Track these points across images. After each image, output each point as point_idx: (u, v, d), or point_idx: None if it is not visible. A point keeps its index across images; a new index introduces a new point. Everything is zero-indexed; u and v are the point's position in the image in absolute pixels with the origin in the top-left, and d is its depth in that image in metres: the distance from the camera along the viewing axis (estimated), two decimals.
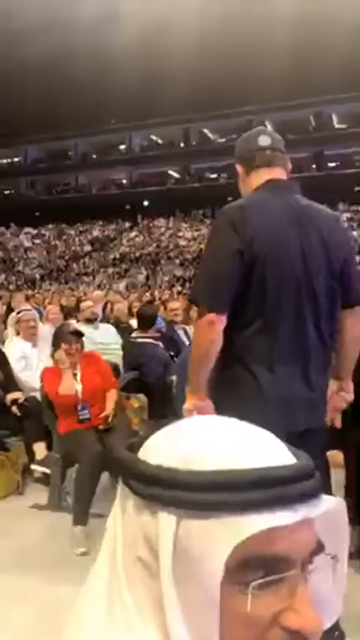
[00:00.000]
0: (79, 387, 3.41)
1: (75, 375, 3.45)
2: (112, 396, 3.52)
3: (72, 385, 3.36)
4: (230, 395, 1.65)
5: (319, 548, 0.46)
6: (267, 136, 1.87)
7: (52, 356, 3.66)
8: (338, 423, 1.98)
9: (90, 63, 38.49)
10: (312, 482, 0.45)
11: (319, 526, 0.45)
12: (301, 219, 1.74)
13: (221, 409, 1.61)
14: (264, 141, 1.84)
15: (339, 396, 1.94)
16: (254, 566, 0.42)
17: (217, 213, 1.78)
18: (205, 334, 1.67)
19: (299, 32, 34.23)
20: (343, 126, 35.99)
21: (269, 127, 2.18)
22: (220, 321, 1.65)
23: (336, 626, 1.99)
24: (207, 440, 0.46)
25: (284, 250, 1.68)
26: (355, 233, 27.48)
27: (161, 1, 36.90)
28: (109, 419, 3.39)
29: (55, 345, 3.63)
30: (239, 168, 1.90)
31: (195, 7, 35.58)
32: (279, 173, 1.83)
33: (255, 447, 0.46)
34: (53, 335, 3.88)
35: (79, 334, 3.60)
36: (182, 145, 38.53)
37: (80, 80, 38.43)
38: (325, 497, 0.46)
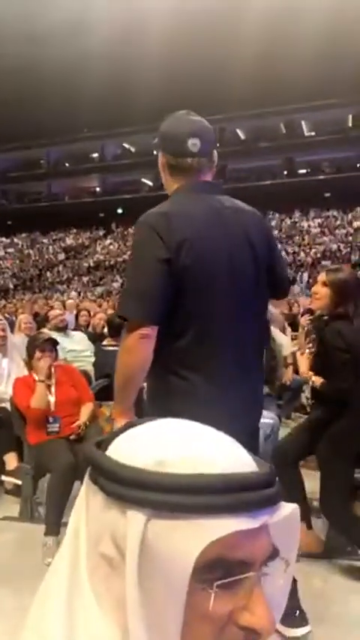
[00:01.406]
0: (52, 398, 3.38)
1: (49, 386, 3.42)
2: (87, 409, 3.50)
3: (44, 398, 3.31)
4: (168, 407, 1.52)
5: (275, 552, 0.48)
6: (197, 138, 1.71)
7: (27, 365, 3.61)
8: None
9: (60, 72, 38.41)
10: (273, 489, 0.47)
11: (273, 531, 0.47)
12: (226, 221, 1.69)
13: None
14: (193, 146, 1.71)
15: None
16: (217, 566, 0.43)
17: (139, 222, 1.65)
18: (139, 350, 1.58)
19: (269, 41, 34.78)
20: (313, 133, 36.67)
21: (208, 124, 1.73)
22: (153, 335, 1.58)
23: (297, 606, 2.05)
24: (178, 443, 0.48)
25: (213, 256, 1.63)
26: (326, 239, 27.97)
27: (131, 10, 37.10)
28: (81, 428, 3.37)
29: (30, 353, 3.59)
30: (162, 158, 1.78)
31: (165, 16, 35.90)
32: (204, 177, 1.76)
33: (222, 453, 0.48)
34: (27, 343, 3.84)
35: (54, 342, 3.59)
36: (155, 153, 38.64)
37: (51, 89, 38.31)
38: (282, 504, 0.48)
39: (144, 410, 1.92)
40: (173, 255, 1.57)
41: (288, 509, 0.48)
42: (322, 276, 2.79)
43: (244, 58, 34.71)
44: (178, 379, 1.62)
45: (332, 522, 2.74)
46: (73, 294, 22.91)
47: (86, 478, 0.50)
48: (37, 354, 3.47)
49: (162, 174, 1.81)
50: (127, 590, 0.44)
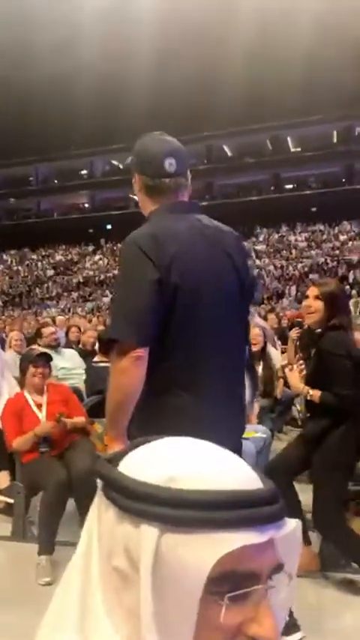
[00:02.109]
0: (43, 417, 3.33)
1: (40, 405, 3.40)
2: (79, 418, 3.47)
3: (27, 444, 3.22)
4: (159, 425, 1.42)
5: (280, 566, 0.50)
6: (173, 158, 1.72)
7: (20, 383, 3.58)
8: None
9: (48, 88, 38.69)
10: (279, 505, 0.49)
11: (278, 546, 0.49)
12: (209, 240, 1.70)
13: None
14: (170, 166, 1.71)
15: None
16: (227, 579, 0.45)
17: (126, 243, 1.65)
18: (133, 372, 1.57)
19: (254, 58, 35.34)
20: (299, 149, 37.21)
21: (177, 142, 1.84)
22: (146, 356, 1.57)
23: (290, 616, 2.03)
24: (189, 461, 0.50)
25: (200, 274, 1.64)
26: (313, 252, 28.24)
27: (119, 27, 37.59)
28: (61, 417, 3.29)
29: (23, 369, 3.57)
30: (138, 178, 1.77)
31: (153, 34, 36.40)
32: (182, 197, 1.77)
33: (231, 470, 0.50)
34: (21, 359, 3.82)
35: (48, 357, 3.57)
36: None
37: (39, 106, 38.54)
38: (287, 519, 0.50)
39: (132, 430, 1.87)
40: (164, 275, 1.57)
41: (292, 525, 0.50)
42: (313, 291, 2.80)
43: (231, 75, 35.23)
44: (169, 397, 1.61)
45: (325, 534, 2.74)
46: (54, 310, 22.66)
47: (98, 493, 0.52)
48: (31, 369, 3.45)
49: (138, 196, 1.80)
50: (142, 602, 0.45)
